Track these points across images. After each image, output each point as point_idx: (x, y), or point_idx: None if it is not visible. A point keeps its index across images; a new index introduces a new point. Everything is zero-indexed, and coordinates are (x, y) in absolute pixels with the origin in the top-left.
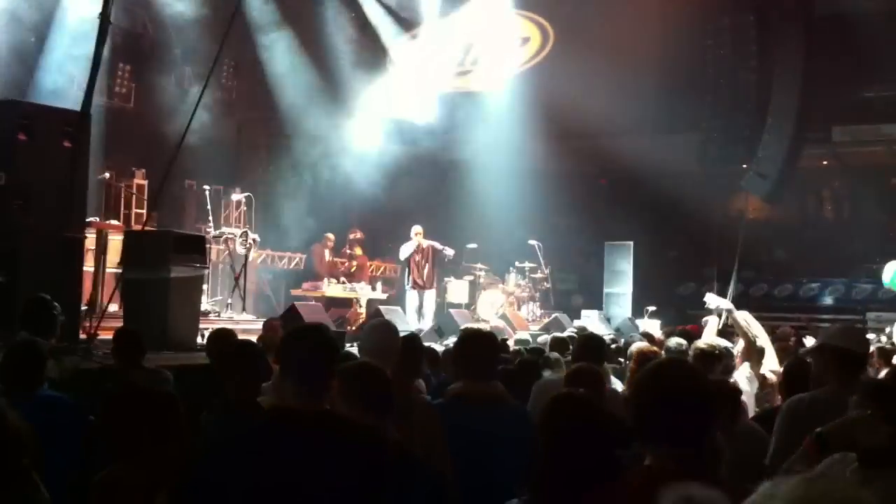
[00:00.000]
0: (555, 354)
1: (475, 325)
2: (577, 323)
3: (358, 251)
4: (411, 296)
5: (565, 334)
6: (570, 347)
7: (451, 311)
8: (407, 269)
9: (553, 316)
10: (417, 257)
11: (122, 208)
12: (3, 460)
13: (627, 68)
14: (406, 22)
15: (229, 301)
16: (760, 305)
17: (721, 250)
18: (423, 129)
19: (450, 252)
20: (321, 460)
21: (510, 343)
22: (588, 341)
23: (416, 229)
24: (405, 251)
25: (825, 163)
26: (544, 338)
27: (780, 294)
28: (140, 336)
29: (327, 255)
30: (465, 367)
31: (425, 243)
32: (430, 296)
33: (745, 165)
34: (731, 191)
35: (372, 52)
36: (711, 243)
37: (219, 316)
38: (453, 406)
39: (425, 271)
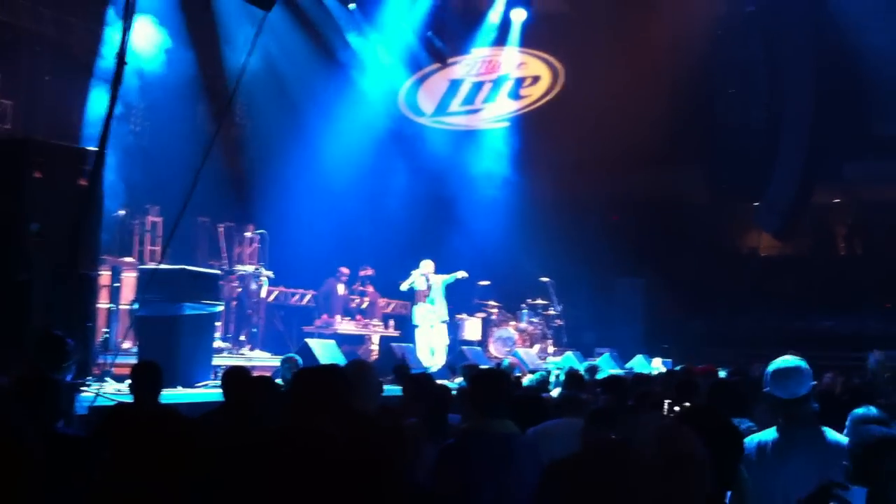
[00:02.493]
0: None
1: (488, 364)
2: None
3: (370, 288)
4: (419, 333)
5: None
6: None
7: (464, 348)
8: (414, 304)
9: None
10: (425, 292)
11: (136, 245)
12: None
13: (637, 103)
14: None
15: (242, 338)
16: (772, 341)
17: (733, 286)
18: (435, 167)
19: (462, 274)
20: None
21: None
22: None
23: (426, 264)
24: (417, 284)
25: (836, 200)
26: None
27: (792, 329)
28: (159, 370)
29: (341, 289)
30: (477, 405)
31: (435, 278)
32: (441, 332)
33: (756, 203)
34: (743, 226)
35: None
36: (723, 278)
37: (232, 353)
38: (463, 444)
39: (436, 307)
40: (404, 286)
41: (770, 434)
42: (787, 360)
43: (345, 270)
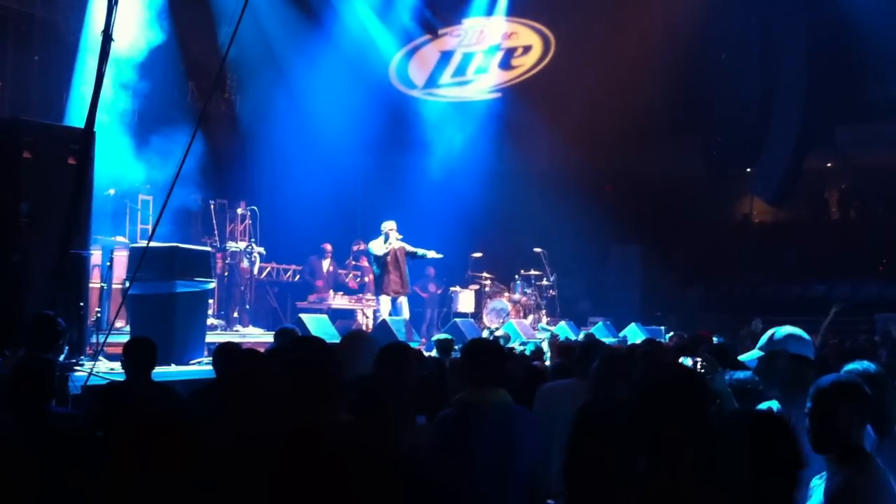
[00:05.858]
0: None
1: (483, 335)
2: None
3: (363, 262)
4: (385, 302)
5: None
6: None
7: (457, 320)
8: (381, 272)
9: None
10: (391, 258)
11: (127, 224)
12: None
13: (631, 73)
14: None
15: (235, 315)
16: (767, 307)
17: (728, 253)
18: (427, 139)
19: (434, 254)
20: None
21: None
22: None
23: (390, 225)
24: (380, 248)
25: (829, 165)
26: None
27: (787, 295)
28: (152, 346)
29: (326, 264)
30: (472, 376)
31: (398, 244)
32: (405, 303)
33: (748, 169)
34: (736, 193)
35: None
36: (718, 246)
37: (225, 330)
38: (461, 414)
39: (402, 275)
40: (379, 251)
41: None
42: (795, 328)
43: (328, 247)
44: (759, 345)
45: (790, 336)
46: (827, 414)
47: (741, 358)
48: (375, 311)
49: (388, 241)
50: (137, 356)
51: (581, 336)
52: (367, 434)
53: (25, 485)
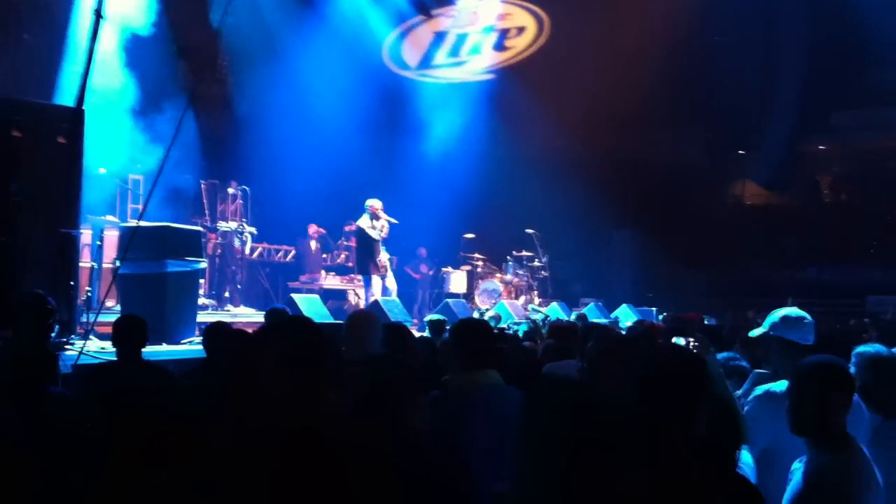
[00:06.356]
0: None
1: (473, 315)
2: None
3: (353, 242)
4: (377, 282)
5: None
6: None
7: (449, 301)
8: (372, 252)
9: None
10: (378, 238)
11: (118, 203)
12: None
13: (628, 56)
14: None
15: (226, 294)
16: (762, 291)
17: (723, 237)
18: (420, 120)
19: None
20: None
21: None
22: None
23: (378, 204)
24: (374, 230)
25: (821, 147)
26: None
27: (782, 280)
28: (143, 324)
29: (313, 245)
30: (461, 357)
31: (386, 222)
32: (392, 282)
33: (741, 152)
34: (733, 178)
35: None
36: (712, 230)
37: (216, 310)
38: (450, 396)
39: (384, 254)
40: (374, 233)
41: (782, 385)
42: (796, 310)
43: (313, 228)
44: (763, 325)
45: (786, 318)
46: (805, 396)
47: (751, 333)
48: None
49: (377, 220)
50: (127, 334)
51: (573, 317)
52: (378, 415)
53: (22, 473)
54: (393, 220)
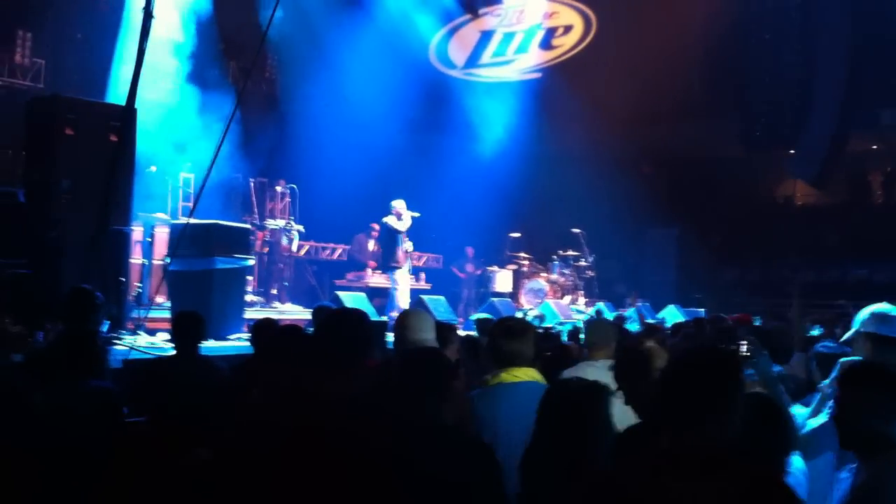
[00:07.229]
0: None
1: (516, 315)
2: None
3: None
4: (403, 276)
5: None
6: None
7: (495, 300)
8: (396, 247)
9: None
10: (402, 229)
11: (168, 201)
12: None
13: (671, 52)
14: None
15: (274, 291)
16: (806, 290)
17: (767, 236)
18: (467, 119)
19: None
20: None
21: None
22: None
23: (403, 204)
24: (401, 224)
25: (873, 147)
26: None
27: (827, 279)
28: (201, 320)
29: (371, 244)
30: (496, 356)
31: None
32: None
33: (791, 151)
34: (777, 175)
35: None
36: (756, 228)
37: (264, 307)
38: (486, 394)
39: (408, 243)
40: (405, 227)
41: None
42: (884, 306)
43: (376, 226)
44: (854, 324)
45: (877, 314)
46: (850, 403)
47: (843, 338)
48: (412, 290)
49: (400, 220)
50: (186, 329)
51: (612, 317)
52: (404, 408)
53: (31, 466)
54: (415, 214)
